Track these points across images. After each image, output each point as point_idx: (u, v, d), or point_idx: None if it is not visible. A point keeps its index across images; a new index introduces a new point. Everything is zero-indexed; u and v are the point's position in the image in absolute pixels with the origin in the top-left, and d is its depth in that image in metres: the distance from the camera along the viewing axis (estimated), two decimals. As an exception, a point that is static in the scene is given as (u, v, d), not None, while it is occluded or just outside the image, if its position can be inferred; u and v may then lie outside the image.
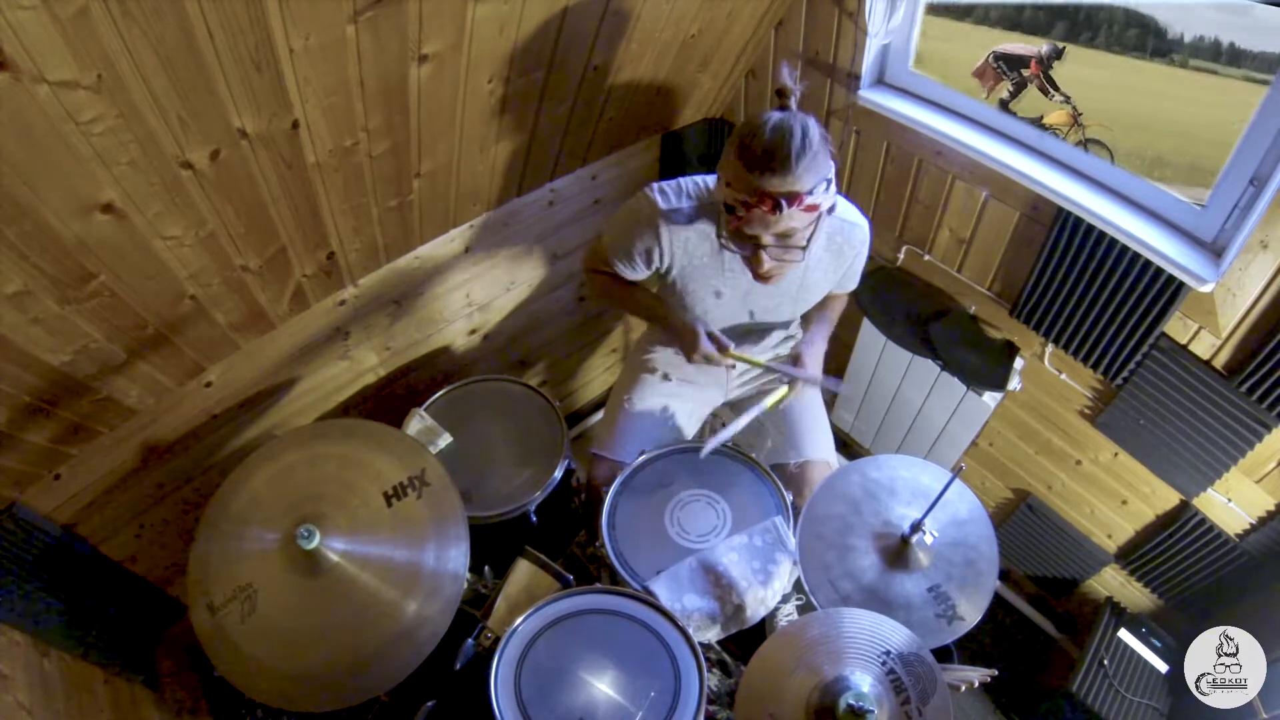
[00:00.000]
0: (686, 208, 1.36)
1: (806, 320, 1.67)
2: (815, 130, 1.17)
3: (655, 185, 1.38)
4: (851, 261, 1.48)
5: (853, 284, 1.57)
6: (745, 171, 1.16)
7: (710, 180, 1.37)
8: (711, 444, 1.50)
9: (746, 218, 1.20)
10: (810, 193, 1.18)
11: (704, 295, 1.48)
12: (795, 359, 1.53)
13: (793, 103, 1.20)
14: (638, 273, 1.48)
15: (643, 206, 1.38)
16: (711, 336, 1.45)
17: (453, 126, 1.48)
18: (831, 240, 1.42)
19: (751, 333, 1.62)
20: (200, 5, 0.92)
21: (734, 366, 1.55)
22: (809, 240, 1.26)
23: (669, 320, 1.51)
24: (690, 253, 1.40)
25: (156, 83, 0.97)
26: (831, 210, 1.28)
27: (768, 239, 1.24)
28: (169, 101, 1.01)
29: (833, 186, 1.24)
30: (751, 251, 1.27)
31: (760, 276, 1.32)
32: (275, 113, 1.15)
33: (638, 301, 1.58)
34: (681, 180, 1.39)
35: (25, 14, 0.80)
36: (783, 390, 1.51)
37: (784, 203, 1.17)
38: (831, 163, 1.21)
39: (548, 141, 1.78)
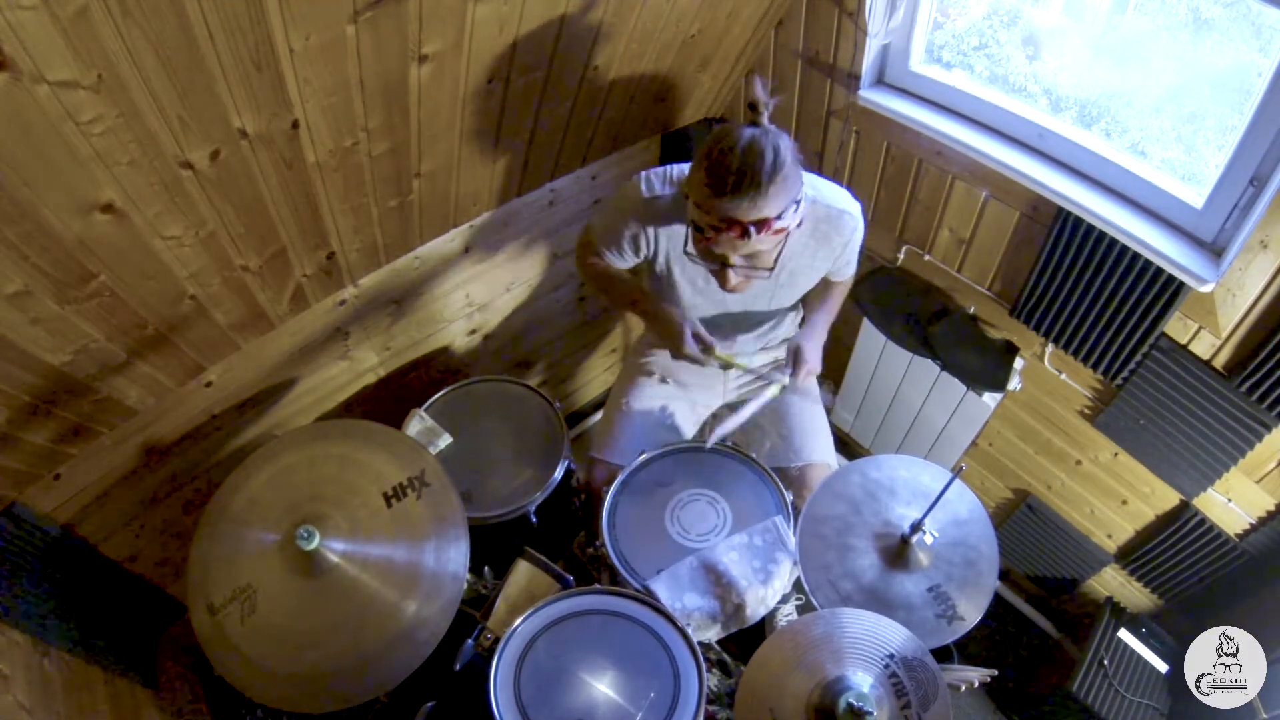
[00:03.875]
0: (668, 194, 1.36)
1: (806, 306, 1.66)
2: (786, 150, 1.14)
3: (644, 173, 1.39)
4: (842, 249, 1.44)
5: (851, 270, 1.55)
6: (713, 196, 1.14)
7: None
8: (718, 433, 1.49)
9: (714, 239, 1.20)
10: (779, 217, 1.17)
11: (692, 279, 1.48)
12: (793, 352, 1.52)
13: (764, 118, 1.16)
14: (626, 260, 1.49)
15: (628, 194, 1.39)
16: (697, 336, 1.44)
17: (453, 126, 1.48)
18: (817, 227, 1.39)
19: (744, 321, 1.62)
20: (200, 5, 0.92)
21: (727, 368, 1.55)
22: (777, 259, 1.27)
23: (656, 315, 1.50)
24: (672, 238, 1.41)
25: (156, 83, 0.97)
26: (800, 225, 1.26)
27: (735, 259, 1.24)
28: (169, 101, 1.01)
29: (803, 205, 1.23)
30: (718, 268, 1.27)
31: (727, 290, 1.32)
32: (275, 113, 1.15)
33: (627, 295, 1.58)
34: (670, 167, 1.39)
35: (25, 14, 0.80)
36: (779, 384, 1.50)
37: (752, 229, 1.16)
38: (802, 181, 1.20)
39: (548, 141, 1.78)
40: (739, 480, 1.55)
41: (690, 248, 1.32)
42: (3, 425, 1.25)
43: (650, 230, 1.39)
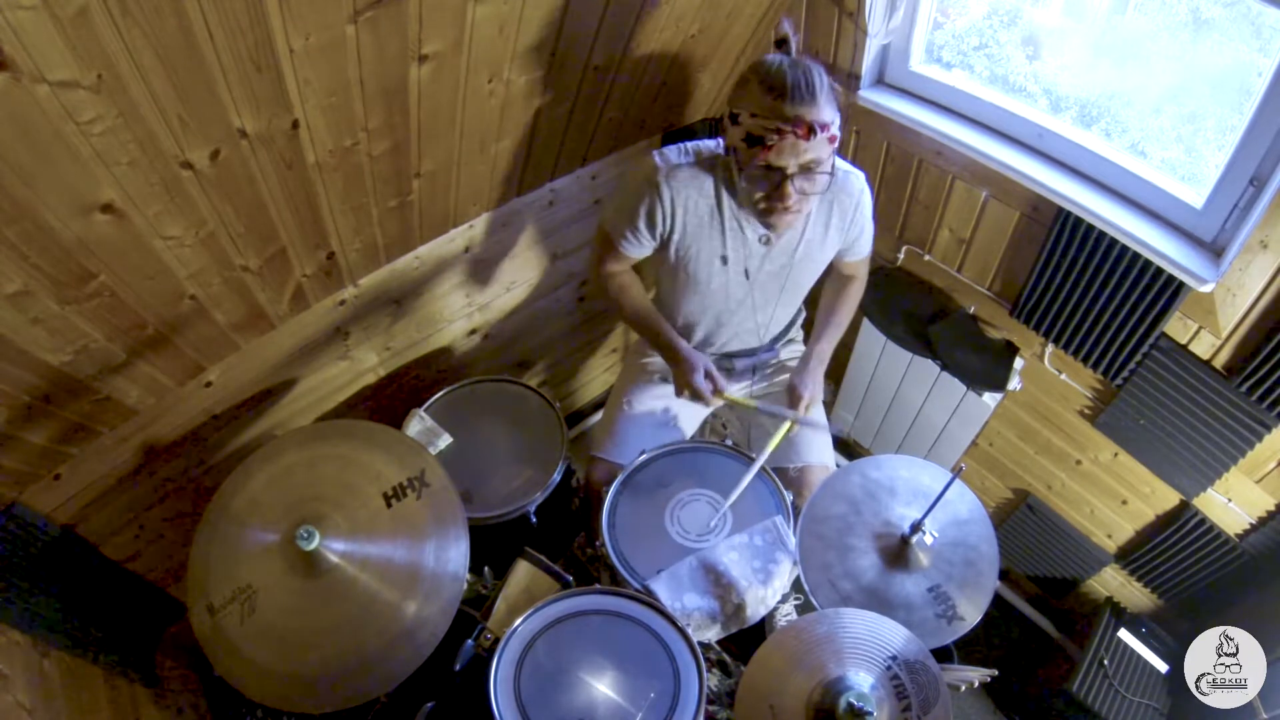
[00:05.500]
0: (685, 163, 1.39)
1: (814, 323, 1.65)
2: (824, 69, 1.22)
3: (655, 151, 1.42)
4: (854, 214, 1.46)
5: (866, 245, 1.56)
6: (774, 100, 1.19)
7: (709, 143, 1.40)
8: (733, 496, 1.49)
9: (777, 146, 1.21)
10: (832, 123, 1.22)
11: (708, 259, 1.47)
12: (790, 391, 1.52)
13: (793, 50, 1.24)
14: (643, 244, 1.48)
15: (643, 167, 1.41)
16: (708, 375, 1.46)
17: (453, 126, 1.48)
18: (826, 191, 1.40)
19: (752, 317, 1.61)
20: (200, 5, 0.92)
21: (734, 407, 1.56)
22: (831, 171, 1.28)
23: (671, 348, 1.51)
24: (690, 210, 1.41)
25: (156, 83, 0.97)
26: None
27: (793, 168, 1.24)
28: (169, 101, 1.01)
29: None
30: (773, 187, 1.27)
31: (783, 211, 1.29)
32: (275, 113, 1.15)
33: (645, 319, 1.57)
34: (685, 143, 1.42)
35: (25, 14, 0.80)
36: (785, 427, 1.50)
37: (817, 128, 1.20)
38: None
39: (548, 141, 1.78)
40: (740, 480, 1.55)
41: (740, 184, 1.31)
42: (3, 425, 1.25)
43: (666, 201, 1.39)
